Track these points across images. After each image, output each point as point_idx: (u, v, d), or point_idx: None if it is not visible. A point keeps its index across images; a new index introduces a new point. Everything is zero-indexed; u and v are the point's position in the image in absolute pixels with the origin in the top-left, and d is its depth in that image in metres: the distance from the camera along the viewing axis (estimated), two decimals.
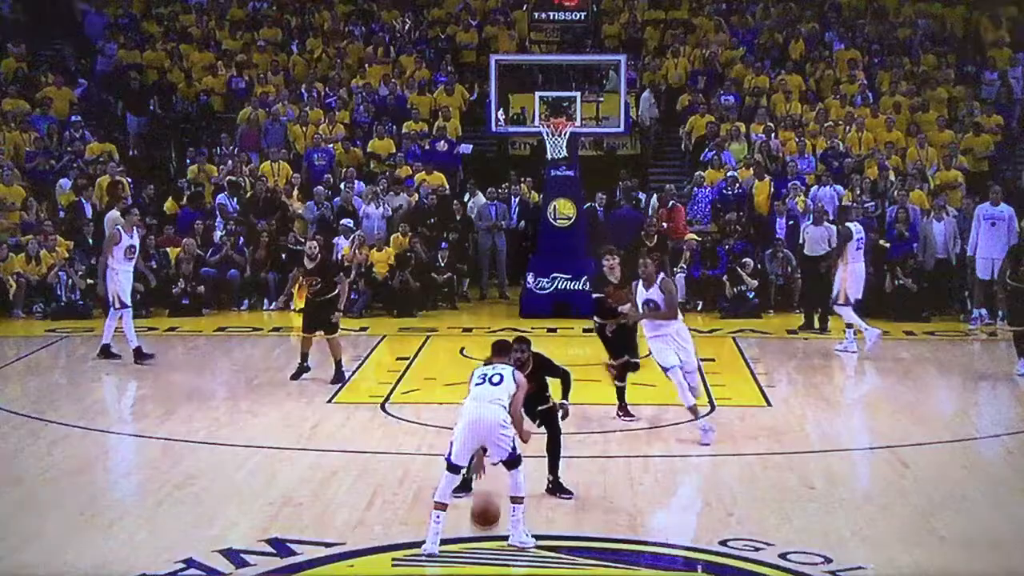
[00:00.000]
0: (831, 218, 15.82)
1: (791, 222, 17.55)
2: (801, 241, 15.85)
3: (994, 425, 11.10)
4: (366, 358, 13.96)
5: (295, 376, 12.63)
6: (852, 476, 7.90)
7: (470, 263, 18.53)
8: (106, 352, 13.61)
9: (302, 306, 16.60)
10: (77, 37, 23.92)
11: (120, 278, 13.35)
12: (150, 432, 10.67)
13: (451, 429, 10.05)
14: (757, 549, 7.56)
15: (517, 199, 18.81)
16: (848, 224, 14.38)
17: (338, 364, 12.57)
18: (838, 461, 9.57)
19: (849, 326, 14.25)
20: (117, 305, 13.37)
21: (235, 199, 18.46)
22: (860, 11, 24.29)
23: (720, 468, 9.53)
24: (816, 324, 15.42)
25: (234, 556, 7.47)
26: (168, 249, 17.50)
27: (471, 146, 20.29)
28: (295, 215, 18.43)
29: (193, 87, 21.96)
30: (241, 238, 17.91)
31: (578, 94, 17.13)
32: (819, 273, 15.05)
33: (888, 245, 16.54)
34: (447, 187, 19.09)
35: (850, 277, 14.08)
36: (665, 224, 17.41)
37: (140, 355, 13.50)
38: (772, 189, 18.24)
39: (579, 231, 16.96)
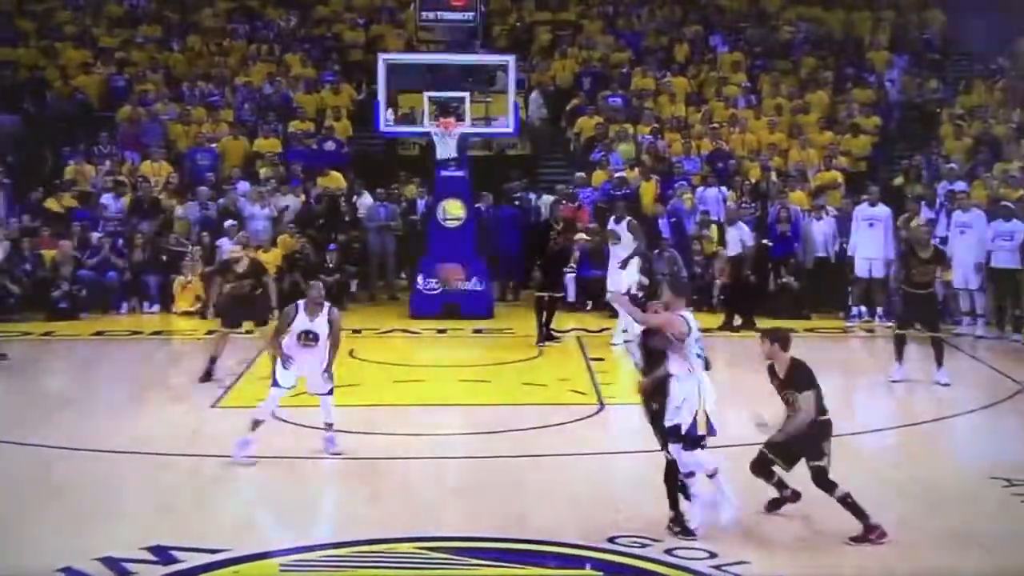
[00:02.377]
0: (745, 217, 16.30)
1: (674, 220, 17.78)
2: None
3: (873, 420, 11.38)
4: (252, 361, 13.64)
5: (204, 378, 12.41)
6: (733, 471, 8.05)
7: (360, 264, 18.40)
8: None
9: (186, 308, 16.58)
10: None
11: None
12: (25, 439, 10.35)
13: (339, 432, 10.11)
14: (644, 546, 7.65)
15: (424, 200, 18.56)
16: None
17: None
18: (720, 457, 9.71)
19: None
20: None
21: (120, 199, 18.11)
22: (743, 14, 24.81)
23: (609, 466, 9.64)
24: (737, 322, 15.50)
25: (114, 564, 7.30)
26: (44, 251, 17.06)
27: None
28: (175, 216, 18.12)
29: (69, 85, 21.45)
30: (120, 239, 17.55)
31: (467, 94, 17.14)
32: (739, 273, 15.40)
33: (770, 244, 16.89)
34: (343, 188, 18.96)
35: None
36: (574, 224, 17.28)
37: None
38: (658, 190, 18.47)
39: (468, 232, 16.98)
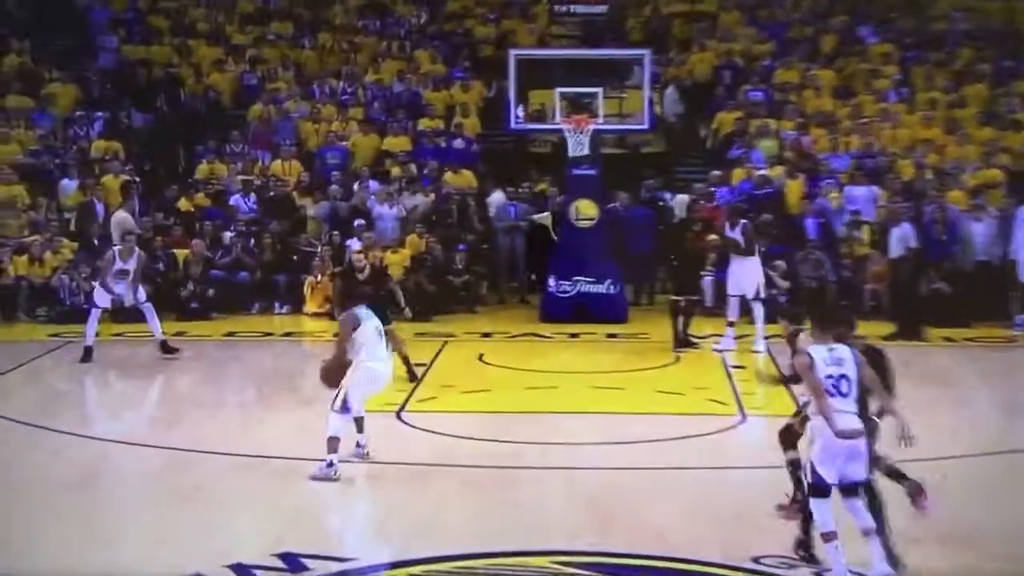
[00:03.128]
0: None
1: (823, 221, 17.41)
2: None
3: None
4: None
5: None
6: (891, 489, 7.71)
7: (489, 265, 18.42)
8: (165, 347, 14.08)
9: (315, 309, 16.83)
10: (81, 32, 23.89)
11: (98, 287, 14.01)
12: (156, 441, 10.59)
13: (470, 439, 10.12)
14: (792, 567, 7.44)
15: (554, 200, 18.58)
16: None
17: (406, 360, 12.54)
18: (877, 474, 9.37)
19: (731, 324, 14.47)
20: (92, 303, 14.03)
21: (250, 199, 18.49)
22: (894, 4, 24.14)
23: (752, 481, 9.37)
24: (914, 330, 15.04)
25: (243, 571, 7.36)
26: (175, 251, 17.53)
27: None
28: (306, 215, 18.46)
29: (201, 83, 21.99)
30: (252, 239, 17.89)
31: (600, 90, 17.07)
32: (905, 277, 14.96)
33: (918, 247, 16.39)
34: (474, 187, 19.06)
35: None
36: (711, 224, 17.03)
37: (88, 355, 13.74)
38: (804, 188, 18.14)
39: (601, 232, 16.85)
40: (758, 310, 14.38)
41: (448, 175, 19.22)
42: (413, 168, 19.35)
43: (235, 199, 18.61)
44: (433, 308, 16.98)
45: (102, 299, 13.96)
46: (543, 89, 17.89)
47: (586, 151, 16.56)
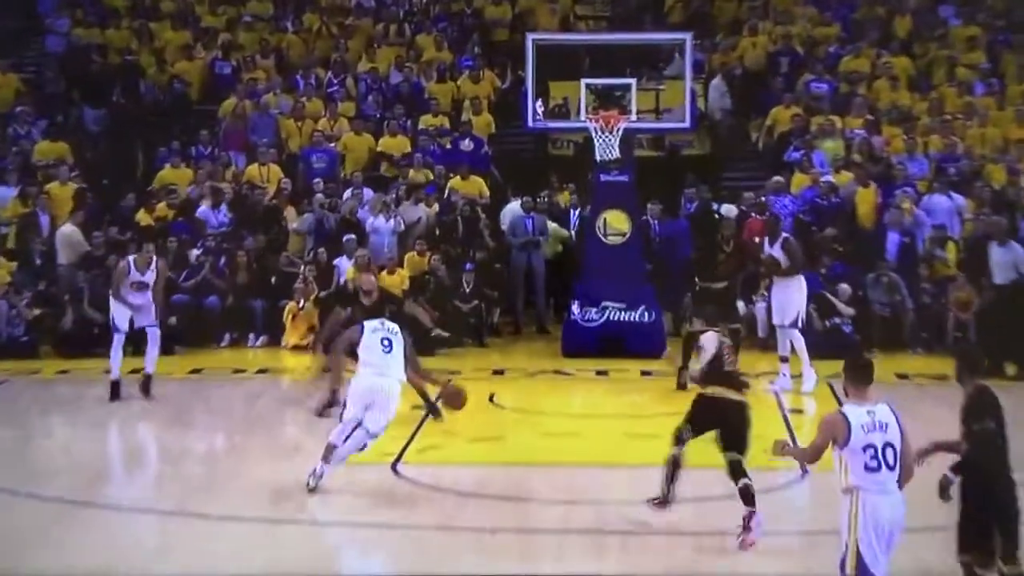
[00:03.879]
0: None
1: (907, 239, 17.44)
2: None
3: None
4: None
5: (324, 408, 12.88)
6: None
7: (502, 288, 18.44)
8: (147, 387, 14.08)
9: (297, 342, 16.79)
10: (27, 11, 24.02)
11: (116, 303, 13.94)
12: (109, 500, 10.56)
13: (478, 497, 10.03)
14: None
15: (577, 211, 18.78)
16: None
17: (424, 395, 12.91)
18: None
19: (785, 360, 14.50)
20: (112, 328, 13.99)
21: (221, 210, 18.56)
22: None
23: (815, 547, 9.22)
24: (1010, 371, 14.96)
25: None
26: None
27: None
28: (287, 230, 18.52)
29: (166, 72, 22.06)
30: (223, 258, 17.87)
31: (633, 81, 17.10)
32: (1015, 307, 15.00)
33: None
34: (485, 196, 19.12)
35: None
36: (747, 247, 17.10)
37: (115, 391, 13.81)
38: (878, 198, 18.14)
39: (635, 250, 16.82)
40: (798, 341, 14.36)
41: (455, 182, 19.25)
42: (413, 173, 19.38)
43: (203, 211, 18.62)
44: (436, 339, 16.93)
45: (122, 319, 13.92)
46: (566, 81, 17.91)
47: (616, 154, 16.52)
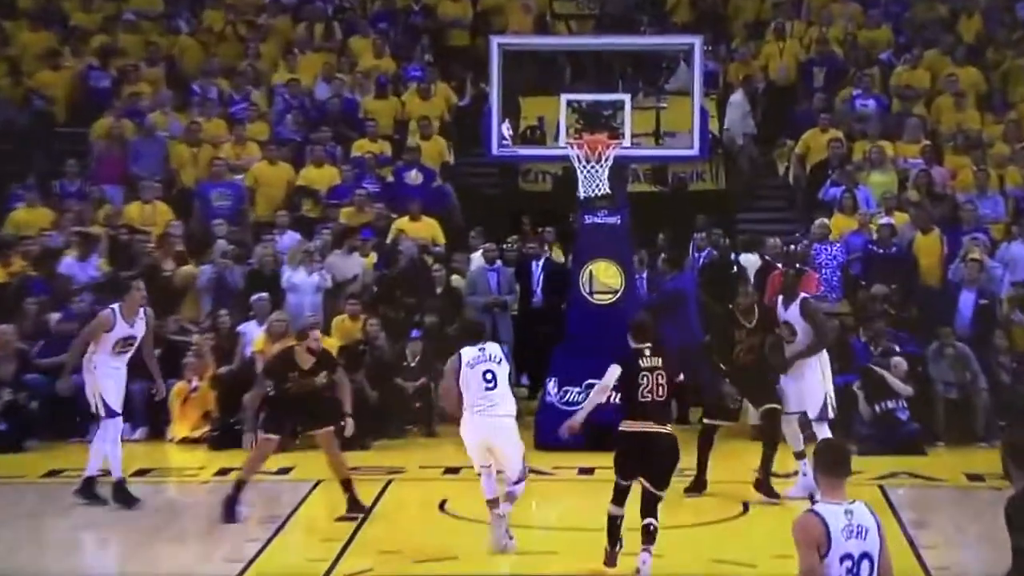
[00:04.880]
0: None
1: (981, 300, 17.39)
2: None
3: None
4: (289, 517, 13.75)
5: (228, 511, 13.04)
6: None
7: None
8: (88, 489, 13.91)
9: (186, 434, 16.65)
10: None
11: (102, 373, 13.82)
12: None
13: None
14: None
15: (541, 261, 18.66)
16: None
17: (347, 484, 13.48)
18: None
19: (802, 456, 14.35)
20: (102, 413, 13.82)
21: (91, 261, 18.36)
22: None
23: None
24: None
25: None
26: None
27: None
28: (178, 287, 18.29)
29: (21, 85, 22.03)
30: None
31: (627, 97, 17.10)
32: None
33: None
34: (439, 243, 19.14)
35: None
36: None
37: (122, 493, 13.83)
38: (944, 247, 18.16)
39: (628, 311, 16.45)
40: (820, 433, 14.06)
41: (399, 225, 19.18)
42: (345, 214, 19.30)
43: (68, 263, 18.40)
44: (373, 427, 16.72)
45: (115, 398, 13.82)
46: (542, 96, 18.23)
47: (606, 189, 16.43)
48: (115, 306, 13.88)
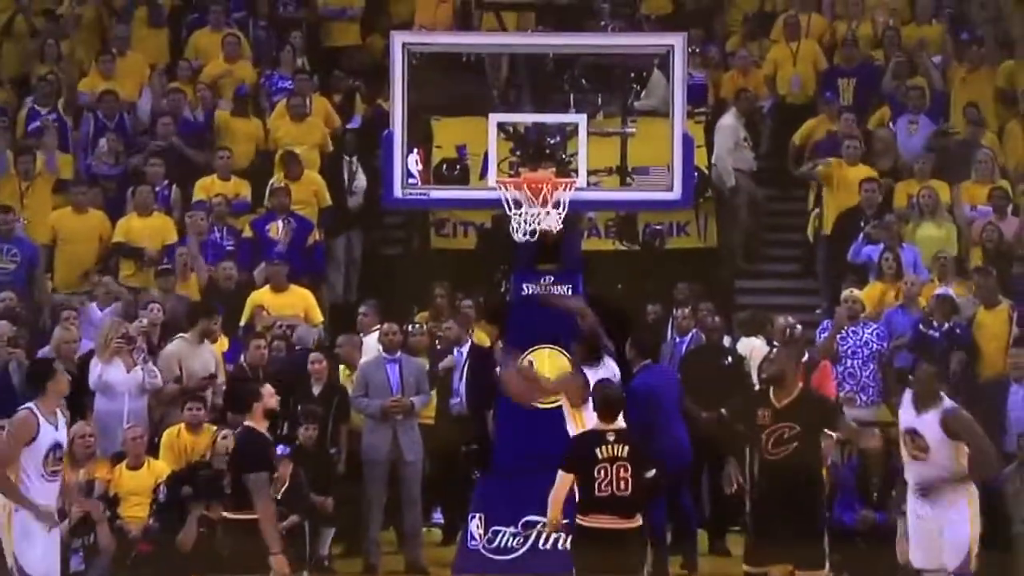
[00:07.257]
0: None
1: None
2: None
3: None
4: None
5: None
6: None
7: (340, 491, 18.11)
8: None
9: None
10: None
11: (29, 518, 13.78)
12: None
13: None
14: None
15: (464, 348, 18.75)
16: None
17: None
18: None
19: None
20: None
21: None
22: None
23: None
24: None
25: None
26: None
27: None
28: None
29: None
30: None
31: (582, 119, 17.21)
32: None
33: None
34: (316, 323, 19.29)
35: None
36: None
37: None
38: (1014, 326, 18.29)
39: None
40: None
41: (259, 296, 19.17)
42: (182, 284, 19.24)
43: None
44: None
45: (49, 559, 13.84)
46: (463, 116, 18.64)
47: (550, 247, 16.46)
48: (32, 405, 13.75)
